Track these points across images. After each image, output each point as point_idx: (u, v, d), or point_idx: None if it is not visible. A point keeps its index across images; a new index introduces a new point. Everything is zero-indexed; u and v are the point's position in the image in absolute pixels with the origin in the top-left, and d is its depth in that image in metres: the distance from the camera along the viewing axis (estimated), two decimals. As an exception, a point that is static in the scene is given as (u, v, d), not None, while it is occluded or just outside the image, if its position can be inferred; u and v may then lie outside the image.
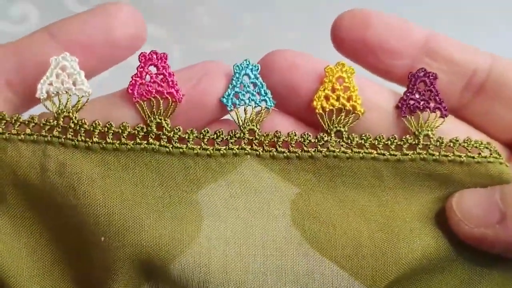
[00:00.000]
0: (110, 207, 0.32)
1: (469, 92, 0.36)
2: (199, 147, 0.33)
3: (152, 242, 0.32)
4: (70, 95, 0.33)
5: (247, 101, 0.33)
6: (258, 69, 0.34)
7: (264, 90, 0.34)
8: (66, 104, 0.33)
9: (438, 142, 0.34)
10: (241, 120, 0.34)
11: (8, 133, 0.33)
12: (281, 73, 0.33)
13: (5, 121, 0.33)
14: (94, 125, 0.33)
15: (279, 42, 0.78)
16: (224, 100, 0.33)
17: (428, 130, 0.34)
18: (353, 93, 0.34)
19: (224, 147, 0.34)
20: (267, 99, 0.34)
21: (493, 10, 0.77)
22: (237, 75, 0.33)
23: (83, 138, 0.33)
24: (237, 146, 0.34)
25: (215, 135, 0.33)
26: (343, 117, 0.34)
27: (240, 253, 0.33)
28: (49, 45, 0.33)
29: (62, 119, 0.33)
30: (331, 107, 0.34)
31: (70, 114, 0.33)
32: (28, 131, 0.33)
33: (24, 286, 0.33)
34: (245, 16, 0.80)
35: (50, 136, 0.33)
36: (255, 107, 0.34)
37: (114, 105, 0.34)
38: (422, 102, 0.35)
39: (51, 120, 0.33)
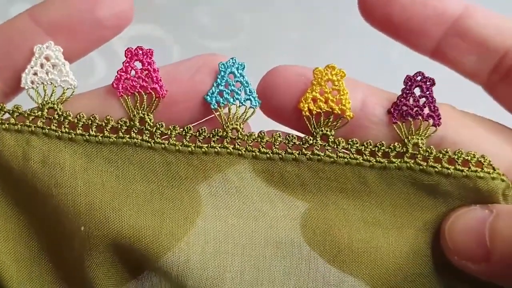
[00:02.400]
0: (91, 197, 0.32)
1: (497, 74, 0.34)
2: (181, 143, 0.33)
3: (132, 234, 0.32)
4: (55, 86, 0.33)
5: (231, 100, 0.33)
6: (244, 68, 0.33)
7: (249, 89, 0.33)
8: (51, 95, 0.33)
9: (427, 152, 0.33)
10: (225, 119, 0.33)
11: None
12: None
13: None
14: (78, 117, 0.33)
15: (279, 42, 0.78)
16: (208, 98, 0.33)
17: (418, 139, 0.33)
18: (343, 96, 0.33)
19: (206, 145, 0.33)
20: (252, 98, 0.33)
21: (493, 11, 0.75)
22: (222, 73, 0.33)
23: (67, 129, 0.33)
24: (219, 145, 0.33)
25: (197, 132, 0.33)
26: (331, 120, 0.33)
27: (218, 251, 0.33)
28: (32, 29, 0.32)
29: (46, 110, 0.33)
30: (318, 110, 0.33)
31: (55, 106, 0.33)
32: (12, 120, 0.33)
33: (12, 271, 0.34)
34: (245, 16, 0.80)
35: (34, 127, 0.33)
36: (239, 106, 0.33)
37: (99, 99, 0.34)
38: (415, 109, 0.34)
39: (36, 111, 0.33)
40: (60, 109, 0.33)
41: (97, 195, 0.32)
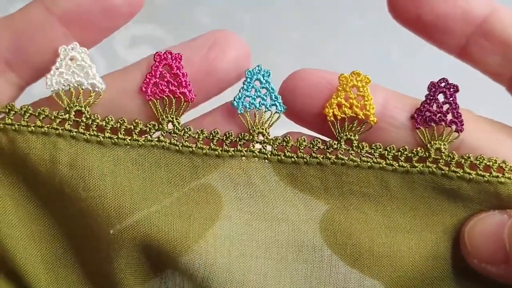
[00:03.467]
0: (120, 200, 0.32)
1: None
2: (208, 147, 0.34)
3: (160, 236, 0.32)
4: (82, 89, 0.33)
5: (257, 105, 0.33)
6: (269, 75, 0.34)
7: (274, 95, 0.34)
8: (78, 97, 0.33)
9: (449, 157, 0.34)
10: (251, 123, 0.34)
11: (18, 125, 0.32)
12: None
13: (14, 112, 0.33)
14: (106, 120, 0.33)
15: (279, 42, 0.78)
16: (235, 103, 0.33)
17: (440, 144, 0.34)
18: (367, 102, 0.34)
19: (233, 149, 0.34)
20: (277, 104, 0.34)
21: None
22: (248, 79, 0.33)
23: (95, 132, 0.33)
24: (245, 149, 0.34)
25: (225, 136, 0.34)
26: (355, 125, 0.34)
27: (243, 254, 0.33)
28: (47, 19, 0.32)
29: (73, 113, 0.33)
30: (343, 115, 0.34)
31: (83, 108, 0.33)
32: (38, 123, 0.33)
33: (40, 274, 0.34)
34: (245, 16, 0.80)
35: (62, 129, 0.33)
36: (265, 111, 0.34)
37: (127, 97, 0.33)
38: (438, 115, 0.34)
39: (63, 113, 0.33)
40: (88, 112, 0.33)
41: (126, 197, 0.32)
